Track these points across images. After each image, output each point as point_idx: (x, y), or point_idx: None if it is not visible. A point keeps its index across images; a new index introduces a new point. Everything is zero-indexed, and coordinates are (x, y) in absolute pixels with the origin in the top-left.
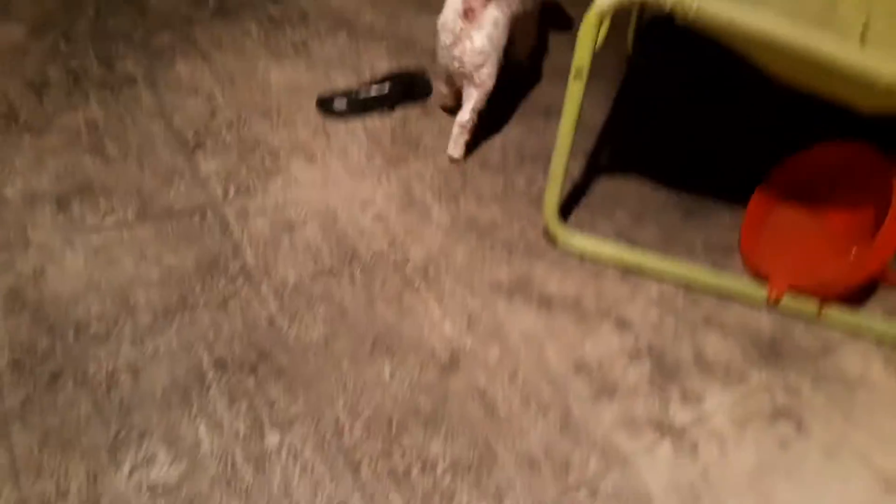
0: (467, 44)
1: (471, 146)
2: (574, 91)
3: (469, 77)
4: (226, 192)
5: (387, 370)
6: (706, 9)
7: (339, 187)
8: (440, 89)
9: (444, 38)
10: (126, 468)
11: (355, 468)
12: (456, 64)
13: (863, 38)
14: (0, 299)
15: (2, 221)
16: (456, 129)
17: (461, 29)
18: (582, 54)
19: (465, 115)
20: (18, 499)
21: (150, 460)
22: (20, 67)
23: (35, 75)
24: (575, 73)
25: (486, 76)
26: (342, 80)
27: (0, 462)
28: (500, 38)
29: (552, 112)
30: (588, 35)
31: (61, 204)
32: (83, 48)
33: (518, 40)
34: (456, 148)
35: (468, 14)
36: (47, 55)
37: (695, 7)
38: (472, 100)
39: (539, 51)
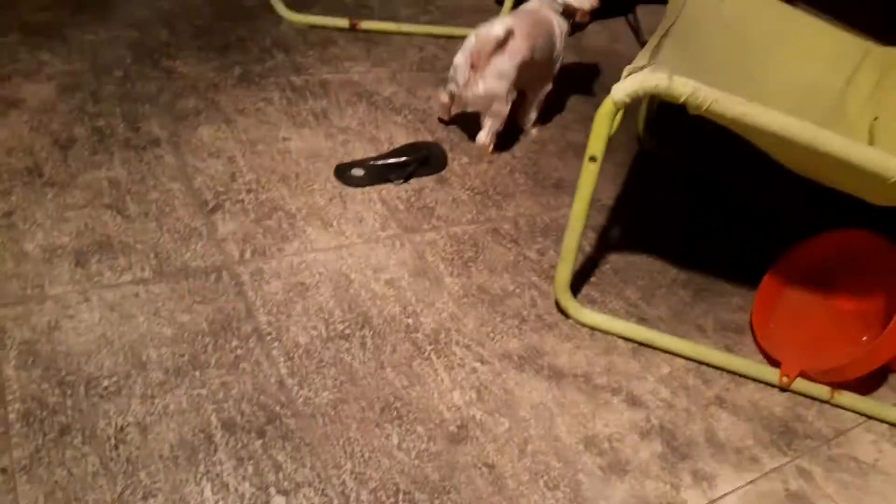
0: (474, 89)
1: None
2: (588, 174)
3: (482, 111)
4: (242, 254)
5: (395, 437)
6: (718, 105)
7: (354, 253)
8: (442, 98)
9: (458, 78)
10: None
11: None
12: (467, 103)
13: (871, 136)
14: (14, 351)
15: (21, 275)
16: (477, 149)
17: (470, 76)
18: (596, 143)
19: (485, 138)
20: None
21: None
22: (48, 125)
23: (61, 133)
24: (589, 158)
25: (497, 110)
26: (360, 150)
27: None
28: (508, 79)
29: (563, 186)
30: (603, 125)
31: (80, 259)
32: (110, 109)
33: (526, 98)
34: (485, 153)
35: (474, 66)
36: (75, 114)
37: (708, 103)
38: (488, 127)
39: (552, 110)
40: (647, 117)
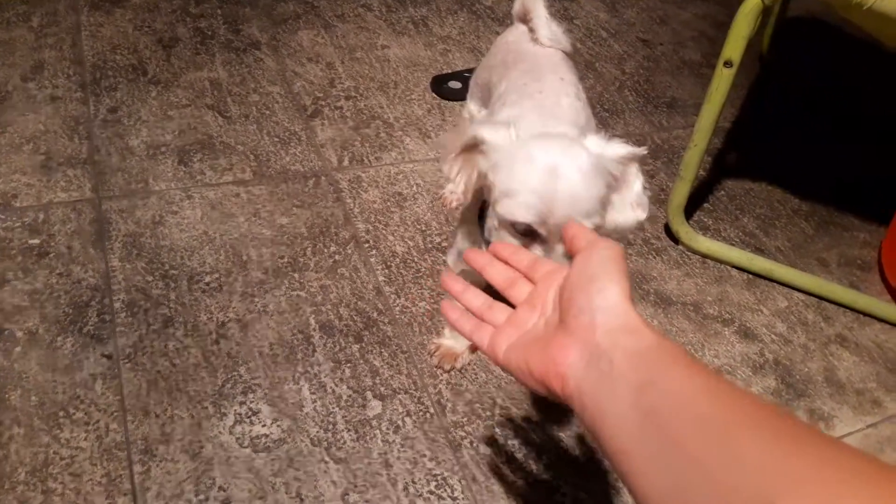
0: None
1: None
2: (722, 81)
3: None
4: (340, 160)
5: None
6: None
7: None
8: None
9: None
10: (230, 419)
11: (456, 448)
12: None
13: None
14: (119, 243)
15: (125, 169)
16: None
17: None
18: (735, 45)
19: None
20: (123, 438)
21: (254, 414)
22: (151, 24)
23: (164, 32)
24: (724, 63)
25: None
26: (460, 60)
27: (108, 399)
28: None
29: (676, 106)
30: (745, 24)
31: (182, 157)
32: (211, 11)
33: None
34: None
35: None
36: (177, 14)
37: None
38: None
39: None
40: (774, 32)
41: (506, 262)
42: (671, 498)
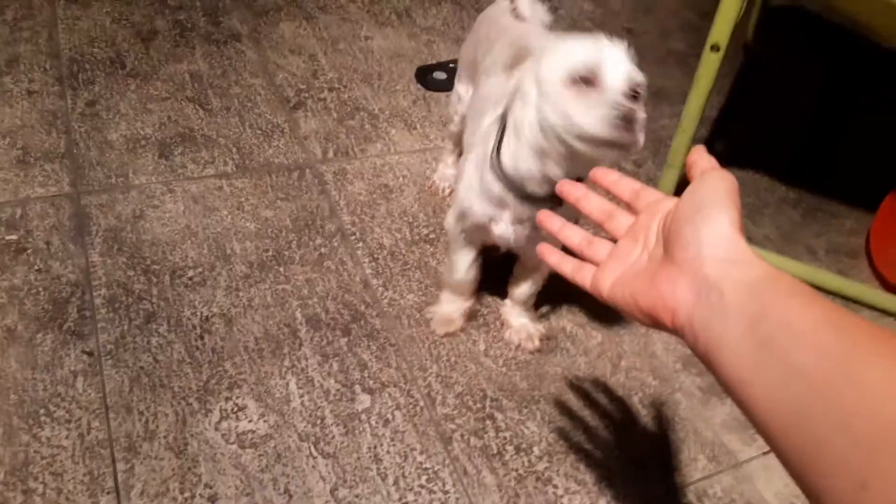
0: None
1: None
2: (709, 64)
3: None
4: (325, 153)
5: (482, 344)
6: None
7: (438, 157)
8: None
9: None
10: (216, 416)
11: (447, 441)
12: None
13: None
14: (99, 238)
15: (105, 163)
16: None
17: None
18: (722, 27)
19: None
20: (106, 436)
21: (239, 410)
22: (128, 17)
23: (143, 25)
24: (711, 47)
25: None
26: (444, 51)
27: (90, 397)
28: None
29: (662, 95)
30: (732, 7)
31: (163, 151)
32: (190, 2)
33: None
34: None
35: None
36: (155, 7)
37: None
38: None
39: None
40: (758, 21)
41: (607, 191)
42: (792, 424)
